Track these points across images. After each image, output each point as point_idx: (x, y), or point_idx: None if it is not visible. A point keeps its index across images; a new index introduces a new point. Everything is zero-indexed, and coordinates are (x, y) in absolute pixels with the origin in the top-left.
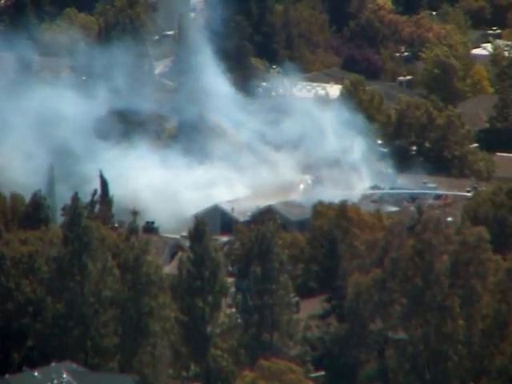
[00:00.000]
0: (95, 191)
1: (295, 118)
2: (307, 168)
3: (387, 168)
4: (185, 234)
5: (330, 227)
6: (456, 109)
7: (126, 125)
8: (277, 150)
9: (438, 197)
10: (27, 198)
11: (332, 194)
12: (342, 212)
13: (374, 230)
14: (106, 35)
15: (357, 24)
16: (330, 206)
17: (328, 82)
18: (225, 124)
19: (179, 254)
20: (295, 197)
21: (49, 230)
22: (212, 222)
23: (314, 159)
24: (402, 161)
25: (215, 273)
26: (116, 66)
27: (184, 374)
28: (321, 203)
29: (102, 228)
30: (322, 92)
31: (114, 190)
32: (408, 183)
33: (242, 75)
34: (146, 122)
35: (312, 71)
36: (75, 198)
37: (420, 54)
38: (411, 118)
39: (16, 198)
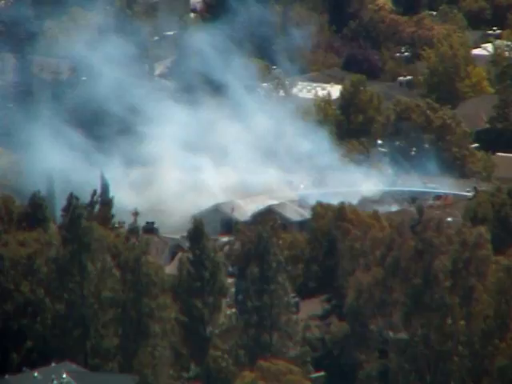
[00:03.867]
0: (94, 191)
1: None
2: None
3: (387, 168)
4: (185, 234)
5: (330, 228)
6: (456, 109)
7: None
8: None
9: (438, 197)
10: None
11: (332, 195)
12: (341, 213)
13: (373, 231)
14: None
15: (357, 24)
16: (328, 207)
17: (328, 82)
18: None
19: (179, 254)
20: (295, 197)
21: (46, 232)
22: (212, 223)
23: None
24: (402, 161)
25: (215, 273)
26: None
27: (184, 374)
28: (320, 204)
29: (99, 228)
30: (323, 92)
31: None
32: (408, 183)
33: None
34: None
35: (312, 71)
36: (71, 198)
37: (422, 53)
38: (409, 120)
39: (7, 199)
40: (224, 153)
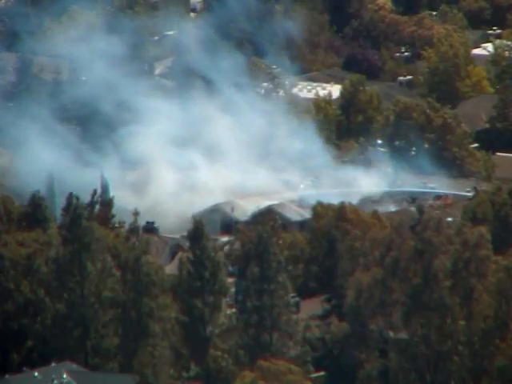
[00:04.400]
0: (95, 191)
1: None
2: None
3: (387, 168)
4: (185, 234)
5: (330, 228)
6: (456, 109)
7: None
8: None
9: (438, 197)
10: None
11: (332, 195)
12: (341, 213)
13: (374, 231)
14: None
15: (357, 24)
16: (328, 207)
17: (328, 82)
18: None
19: (179, 254)
20: (295, 197)
21: (46, 232)
22: (212, 222)
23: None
24: (402, 161)
25: (215, 273)
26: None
27: (184, 374)
28: (320, 204)
29: (100, 228)
30: (323, 92)
31: None
32: (408, 183)
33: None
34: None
35: (312, 71)
36: (71, 198)
37: (422, 52)
38: (409, 119)
39: (7, 199)
40: (222, 152)
